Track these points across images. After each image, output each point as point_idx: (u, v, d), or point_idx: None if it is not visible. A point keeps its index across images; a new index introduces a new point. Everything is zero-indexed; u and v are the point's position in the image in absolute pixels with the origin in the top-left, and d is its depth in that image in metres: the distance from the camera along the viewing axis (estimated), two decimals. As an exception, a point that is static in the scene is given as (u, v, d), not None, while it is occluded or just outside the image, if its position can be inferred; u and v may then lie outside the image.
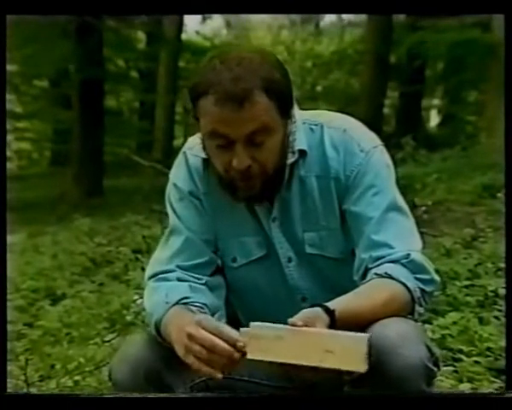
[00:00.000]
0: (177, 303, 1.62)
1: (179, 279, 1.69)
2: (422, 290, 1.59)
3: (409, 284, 1.57)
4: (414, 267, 1.60)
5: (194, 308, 1.62)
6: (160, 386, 1.59)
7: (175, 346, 1.51)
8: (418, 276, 1.59)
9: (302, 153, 1.68)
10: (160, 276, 1.71)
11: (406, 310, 1.57)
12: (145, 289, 1.74)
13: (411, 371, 1.44)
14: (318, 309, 1.46)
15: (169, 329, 1.57)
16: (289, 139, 1.65)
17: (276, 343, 1.38)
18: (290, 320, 1.40)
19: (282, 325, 1.40)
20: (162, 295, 1.65)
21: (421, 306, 1.59)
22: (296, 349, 1.37)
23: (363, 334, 1.39)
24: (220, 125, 1.54)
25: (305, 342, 1.37)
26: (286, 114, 1.61)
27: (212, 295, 1.71)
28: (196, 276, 1.70)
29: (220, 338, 1.41)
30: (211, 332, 1.42)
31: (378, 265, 1.60)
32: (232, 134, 1.54)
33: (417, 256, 1.61)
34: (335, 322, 1.45)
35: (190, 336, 1.43)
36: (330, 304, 1.48)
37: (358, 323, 1.50)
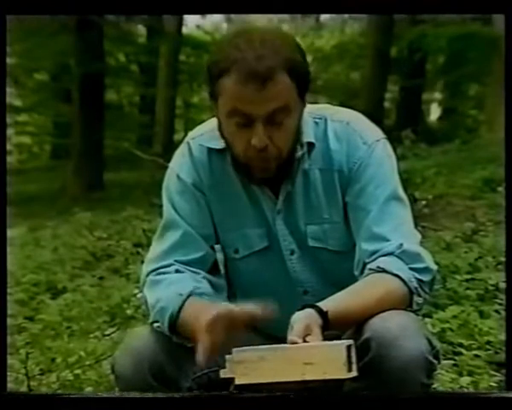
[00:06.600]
0: (190, 294, 1.61)
1: (178, 272, 1.68)
2: (419, 280, 1.58)
3: (403, 276, 1.57)
4: (407, 257, 1.59)
5: (206, 297, 1.62)
6: (163, 379, 1.59)
7: (195, 329, 1.49)
8: (413, 266, 1.59)
9: (310, 145, 1.68)
10: (160, 271, 1.70)
11: (404, 302, 1.57)
12: (144, 285, 1.72)
13: (412, 363, 1.44)
14: (311, 311, 1.47)
15: (193, 316, 1.54)
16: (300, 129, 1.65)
17: (260, 365, 1.41)
18: (289, 339, 1.42)
19: (262, 346, 1.44)
20: (172, 288, 1.63)
21: (419, 296, 1.58)
22: (279, 367, 1.40)
23: (340, 341, 1.41)
24: (241, 104, 1.53)
25: (286, 359, 1.40)
26: (304, 96, 1.62)
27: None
28: (194, 270, 1.69)
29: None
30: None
31: (374, 259, 1.61)
32: (253, 112, 1.54)
33: (411, 246, 1.61)
34: (328, 323, 1.47)
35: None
36: (323, 304, 1.49)
37: (354, 321, 1.52)
